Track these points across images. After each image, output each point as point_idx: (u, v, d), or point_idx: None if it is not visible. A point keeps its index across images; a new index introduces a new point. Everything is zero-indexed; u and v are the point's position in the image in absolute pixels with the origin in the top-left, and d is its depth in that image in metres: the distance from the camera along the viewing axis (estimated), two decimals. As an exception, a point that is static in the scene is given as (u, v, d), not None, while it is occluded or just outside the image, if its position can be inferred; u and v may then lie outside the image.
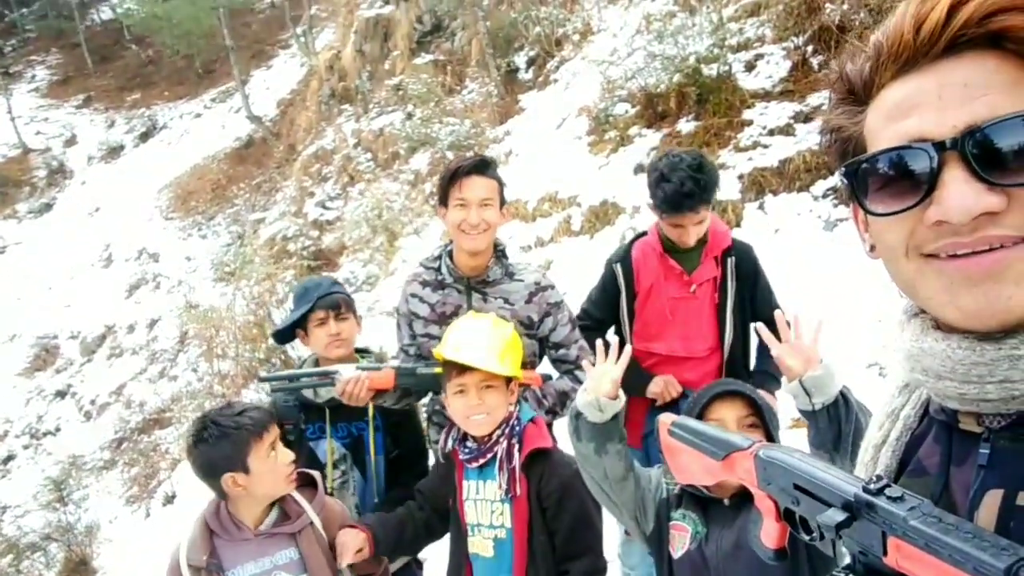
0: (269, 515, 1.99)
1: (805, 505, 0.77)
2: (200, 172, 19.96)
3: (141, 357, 14.23)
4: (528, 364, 2.42)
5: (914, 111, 0.66)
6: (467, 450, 2.04)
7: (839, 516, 0.69)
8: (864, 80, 0.72)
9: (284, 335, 2.69)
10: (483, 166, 2.39)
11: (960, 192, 0.62)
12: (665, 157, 2.53)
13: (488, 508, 2.03)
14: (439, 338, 2.36)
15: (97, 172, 22.38)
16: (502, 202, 2.43)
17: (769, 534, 0.88)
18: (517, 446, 2.00)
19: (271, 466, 1.92)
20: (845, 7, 6.52)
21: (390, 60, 15.41)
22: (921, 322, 0.72)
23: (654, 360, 2.63)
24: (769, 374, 2.51)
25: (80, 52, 27.76)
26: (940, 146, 0.63)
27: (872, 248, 0.77)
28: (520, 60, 12.59)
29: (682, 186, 2.40)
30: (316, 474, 2.14)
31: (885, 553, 0.65)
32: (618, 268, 2.66)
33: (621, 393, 1.73)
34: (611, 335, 2.71)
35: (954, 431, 0.73)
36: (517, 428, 2.04)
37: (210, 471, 1.91)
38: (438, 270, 2.49)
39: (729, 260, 2.56)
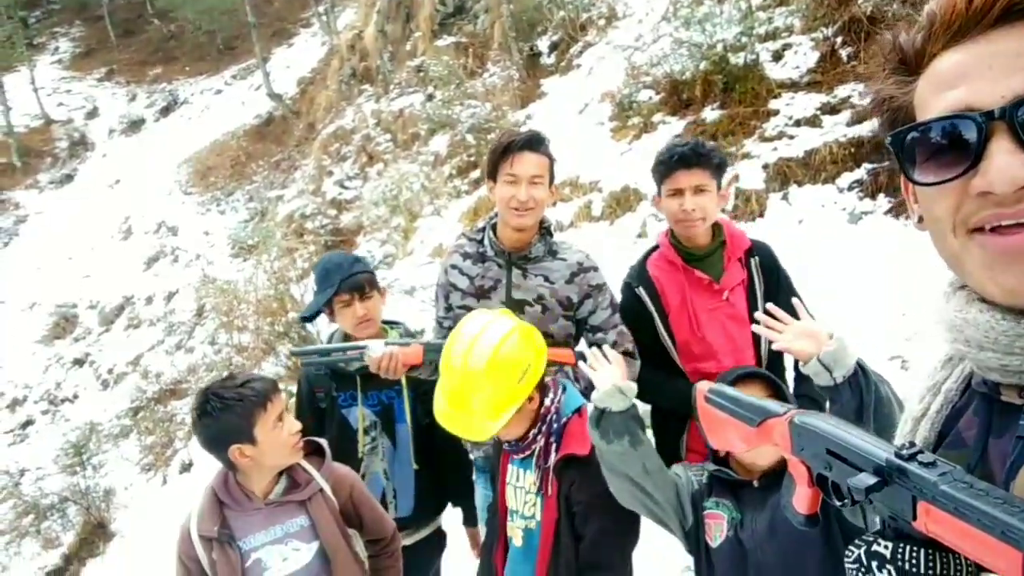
0: (278, 484, 2.00)
1: (837, 470, 0.78)
2: (219, 148, 20.03)
3: (158, 329, 14.37)
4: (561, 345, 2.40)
5: (963, 80, 0.66)
6: (508, 443, 2.02)
7: (870, 480, 0.70)
8: (916, 50, 0.72)
9: (310, 316, 2.73)
10: (536, 142, 2.34)
11: (1006, 162, 0.62)
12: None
13: (524, 497, 2.02)
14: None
15: (118, 145, 22.52)
16: (551, 180, 2.39)
17: (801, 500, 0.89)
18: (555, 445, 1.93)
19: (277, 436, 1.93)
20: (879, -1, 6.46)
21: (412, 41, 15.36)
22: (966, 294, 0.73)
23: (705, 376, 2.37)
24: (810, 398, 2.30)
25: (103, 25, 27.85)
26: (988, 115, 0.63)
27: (920, 220, 0.77)
28: (543, 44, 12.53)
29: (677, 144, 2.34)
30: (323, 441, 2.16)
31: (915, 518, 0.66)
32: (642, 291, 2.45)
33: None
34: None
35: (995, 403, 0.74)
36: (556, 425, 1.95)
37: (216, 443, 1.92)
38: (480, 242, 2.47)
39: (753, 261, 2.42)
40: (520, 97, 11.66)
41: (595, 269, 2.42)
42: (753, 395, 1.65)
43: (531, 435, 1.94)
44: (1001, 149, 0.62)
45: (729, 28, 7.45)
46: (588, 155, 8.24)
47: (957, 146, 0.65)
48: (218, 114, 21.72)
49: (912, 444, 0.70)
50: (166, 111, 23.39)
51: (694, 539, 1.75)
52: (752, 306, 2.35)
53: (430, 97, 13.55)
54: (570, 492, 1.89)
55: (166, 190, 19.26)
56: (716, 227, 2.42)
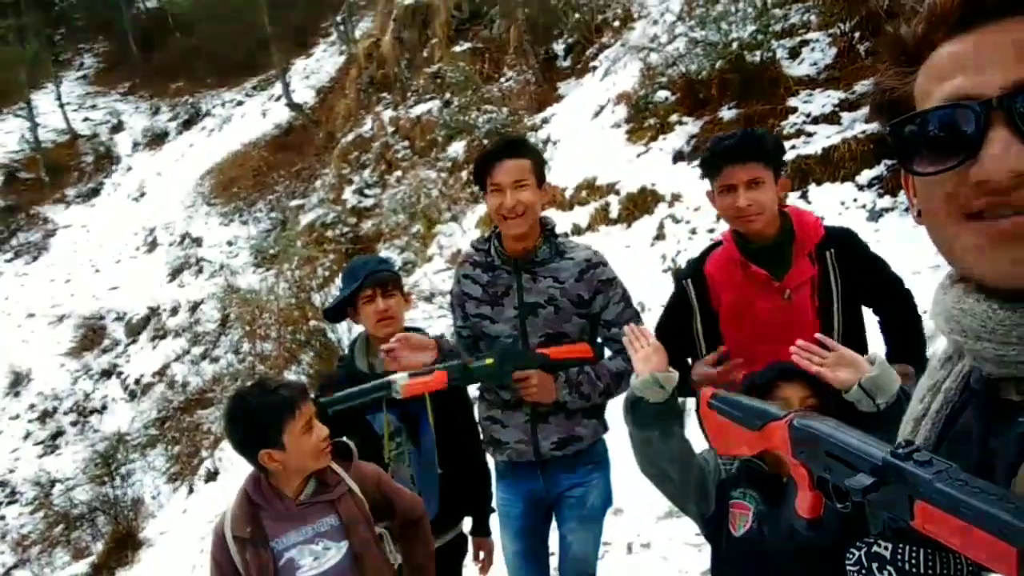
0: (308, 485, 2.04)
1: (836, 472, 0.78)
2: (241, 159, 20.27)
3: (184, 339, 14.57)
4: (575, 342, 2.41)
5: (962, 70, 0.66)
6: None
7: (867, 480, 0.70)
8: (916, 40, 0.72)
9: (335, 313, 2.77)
10: (513, 147, 2.39)
11: (1004, 151, 0.62)
12: None
13: None
14: (491, 319, 2.45)
15: (142, 158, 22.88)
16: (541, 179, 2.39)
17: (803, 504, 0.89)
18: None
19: (306, 442, 1.97)
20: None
21: (428, 48, 15.44)
22: (964, 286, 0.73)
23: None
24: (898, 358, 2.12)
25: (126, 40, 28.33)
26: (986, 105, 0.64)
27: (919, 214, 0.77)
28: (559, 47, 12.53)
29: (730, 135, 2.20)
30: (350, 442, 2.19)
31: (912, 517, 0.65)
32: (689, 285, 2.28)
33: (671, 370, 1.72)
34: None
35: (994, 401, 0.73)
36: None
37: (246, 448, 1.98)
38: (488, 252, 2.50)
39: (828, 254, 2.12)
40: (537, 101, 11.67)
41: (604, 264, 2.43)
42: (796, 393, 1.68)
43: None
44: (999, 138, 0.62)
45: (744, 26, 7.41)
46: (605, 157, 8.23)
47: (955, 135, 0.65)
48: (239, 125, 21.99)
49: (908, 443, 0.69)
50: (188, 124, 23.72)
51: (715, 526, 1.75)
52: (825, 307, 2.10)
53: (447, 103, 13.61)
54: None
55: (189, 201, 19.54)
56: (784, 216, 2.17)
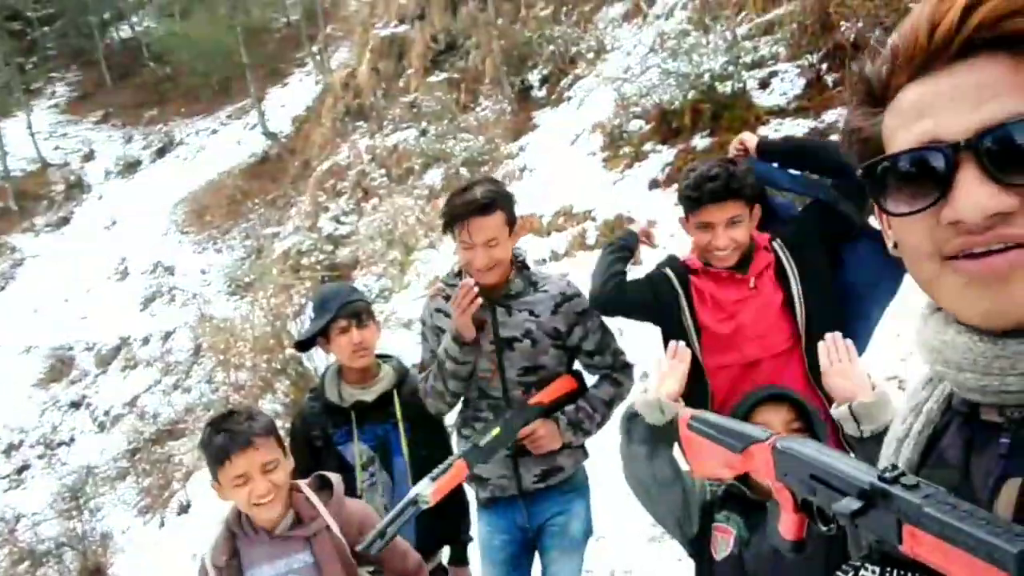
0: (286, 518, 1.98)
1: (822, 495, 0.77)
2: (216, 187, 20.15)
3: (155, 369, 14.32)
4: (556, 376, 2.39)
5: (929, 113, 0.67)
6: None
7: (855, 504, 0.69)
8: (881, 82, 0.73)
9: (305, 344, 2.75)
10: (487, 207, 2.26)
11: (974, 192, 0.63)
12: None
13: None
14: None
15: (114, 187, 22.64)
16: (513, 224, 2.34)
17: (787, 526, 0.88)
18: None
19: (237, 494, 1.92)
20: (860, 25, 6.59)
21: (405, 78, 15.57)
22: (944, 315, 0.73)
23: (729, 373, 2.19)
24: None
25: (99, 69, 28.17)
26: (954, 147, 0.64)
27: (895, 245, 0.78)
28: (534, 78, 12.71)
29: (708, 171, 2.13)
30: (335, 477, 2.12)
31: (900, 541, 0.65)
32: (671, 272, 2.29)
33: (680, 401, 1.70)
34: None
35: (975, 422, 0.74)
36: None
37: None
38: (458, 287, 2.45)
39: (775, 244, 2.21)
40: (513, 130, 11.80)
41: (579, 295, 2.41)
42: (778, 417, 1.69)
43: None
44: (969, 179, 0.63)
45: (715, 58, 7.59)
46: (581, 185, 8.32)
47: (926, 177, 0.67)
48: (214, 154, 21.89)
49: (895, 467, 0.69)
50: (162, 152, 23.56)
51: (698, 549, 1.74)
52: (786, 289, 2.18)
53: (424, 132, 13.70)
54: None
55: (162, 230, 19.34)
56: None
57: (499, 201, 2.31)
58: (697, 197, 2.13)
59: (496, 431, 2.21)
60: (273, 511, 1.94)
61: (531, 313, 2.36)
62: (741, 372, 2.18)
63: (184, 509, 8.71)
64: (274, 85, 23.53)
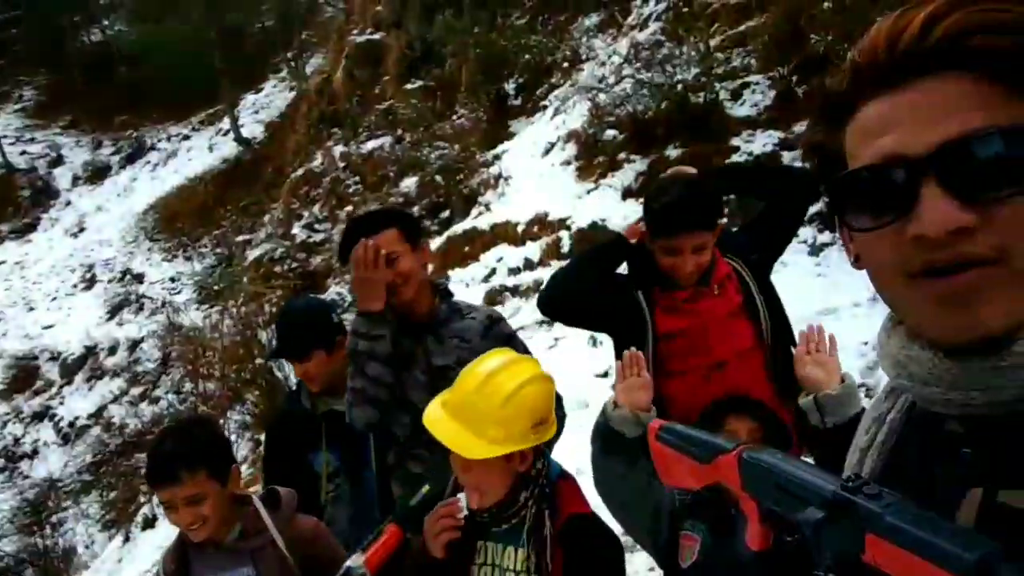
0: (233, 531, 1.99)
1: (786, 505, 0.77)
2: (186, 194, 19.90)
3: (122, 379, 14.05)
4: None
5: (890, 129, 0.67)
6: (485, 514, 1.73)
7: (818, 514, 0.69)
8: (842, 97, 0.73)
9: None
10: (374, 223, 2.26)
11: (935, 208, 0.63)
12: (662, 178, 2.33)
13: None
14: (393, 383, 2.26)
15: (82, 193, 22.26)
16: (415, 241, 2.29)
17: (753, 536, 0.87)
18: (548, 511, 1.70)
19: (169, 515, 1.93)
20: (830, 38, 6.69)
21: (380, 85, 15.53)
22: (906, 329, 0.74)
23: (694, 377, 2.21)
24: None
25: (69, 73, 27.74)
26: (916, 163, 0.65)
27: (857, 259, 0.78)
28: (510, 87, 12.73)
29: (679, 199, 2.12)
30: (285, 492, 2.10)
31: (863, 550, 0.66)
32: (630, 279, 2.29)
33: (652, 408, 1.72)
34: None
35: (938, 433, 0.75)
36: (548, 490, 1.72)
37: None
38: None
39: (727, 258, 2.28)
40: (488, 138, 11.80)
41: (504, 319, 2.44)
42: (745, 426, 1.70)
43: (521, 499, 1.69)
44: (931, 195, 0.64)
45: (689, 69, 7.66)
46: (556, 193, 8.34)
47: (889, 193, 0.67)
48: (185, 160, 21.65)
49: (858, 476, 0.69)
50: (132, 158, 23.22)
51: (666, 557, 1.74)
52: (746, 294, 2.24)
53: (399, 139, 13.65)
54: (578, 559, 1.66)
55: (131, 237, 19.04)
56: None
57: (391, 214, 2.33)
58: (667, 225, 2.13)
59: (426, 488, 1.98)
60: (200, 536, 1.93)
61: (462, 340, 2.31)
62: (706, 374, 2.19)
63: (150, 523, 8.52)
64: (248, 91, 23.34)
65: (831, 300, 4.88)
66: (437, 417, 1.71)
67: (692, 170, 2.45)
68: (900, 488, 0.70)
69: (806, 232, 5.67)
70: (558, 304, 2.37)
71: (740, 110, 7.35)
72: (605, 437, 1.69)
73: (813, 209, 5.79)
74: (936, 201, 0.63)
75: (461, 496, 1.74)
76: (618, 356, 2.26)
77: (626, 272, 2.39)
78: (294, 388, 2.88)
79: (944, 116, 0.65)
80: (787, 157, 6.38)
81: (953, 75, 0.65)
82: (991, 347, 0.65)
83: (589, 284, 2.31)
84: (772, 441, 1.69)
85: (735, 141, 6.95)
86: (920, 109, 0.66)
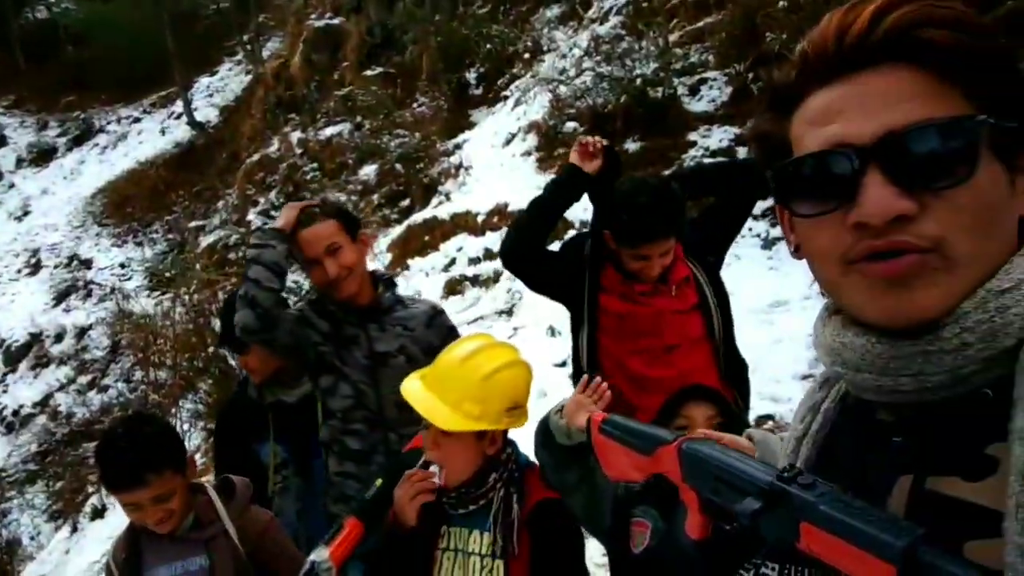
0: (187, 519, 1.97)
1: (724, 495, 0.79)
2: (137, 178, 19.33)
3: (69, 367, 13.64)
4: None
5: (836, 118, 0.69)
6: (452, 495, 1.75)
7: (755, 504, 0.71)
8: (790, 87, 0.75)
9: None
10: (312, 217, 2.27)
11: (878, 195, 0.65)
12: (627, 180, 2.32)
13: (473, 564, 1.72)
14: (342, 359, 2.28)
15: (27, 175, 21.44)
16: (354, 232, 2.30)
17: (692, 526, 0.89)
18: (516, 495, 1.73)
19: (130, 512, 1.92)
20: (784, 37, 6.83)
21: (339, 71, 15.30)
22: (841, 318, 0.76)
23: (650, 354, 2.30)
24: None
25: (11, 51, 26.62)
26: (861, 151, 0.66)
27: (797, 248, 0.80)
28: (471, 76, 12.69)
29: (650, 212, 2.14)
30: (240, 481, 2.10)
31: (798, 538, 0.67)
32: (588, 247, 2.33)
33: None
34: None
35: (870, 422, 0.77)
36: (516, 474, 1.76)
37: None
38: (325, 306, 2.34)
39: (687, 260, 2.37)
40: (449, 127, 11.75)
41: (445, 313, 2.47)
42: (702, 412, 1.76)
43: (491, 480, 1.72)
44: (874, 182, 0.65)
45: (648, 63, 7.74)
46: (516, 184, 8.35)
47: (833, 180, 0.68)
48: (136, 143, 21.02)
49: (793, 466, 0.71)
50: (79, 140, 22.44)
51: (616, 543, 1.77)
52: (700, 294, 2.34)
53: (358, 126, 13.49)
54: (546, 544, 1.71)
55: (79, 221, 18.44)
56: None
57: (326, 207, 2.36)
58: (636, 236, 2.18)
59: (379, 482, 1.96)
60: (166, 528, 1.92)
61: (405, 328, 2.33)
62: (658, 354, 2.28)
63: (99, 513, 8.32)
64: (202, 73, 22.74)
65: (783, 293, 5.02)
66: (415, 388, 1.73)
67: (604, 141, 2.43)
68: (834, 476, 0.72)
69: (759, 226, 5.81)
70: (515, 255, 2.39)
71: (697, 105, 7.48)
72: (542, 431, 1.72)
73: (766, 204, 5.94)
74: (878, 188, 0.65)
75: (434, 466, 1.75)
76: (574, 332, 2.38)
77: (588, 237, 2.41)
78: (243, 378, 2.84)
79: (889, 106, 0.66)
80: (742, 152, 6.53)
81: (899, 67, 0.67)
82: (925, 331, 0.67)
83: (544, 234, 2.36)
84: (728, 427, 1.75)
85: (692, 136, 7.06)
86: (866, 99, 0.68)
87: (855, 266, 0.69)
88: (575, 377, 2.45)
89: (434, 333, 2.35)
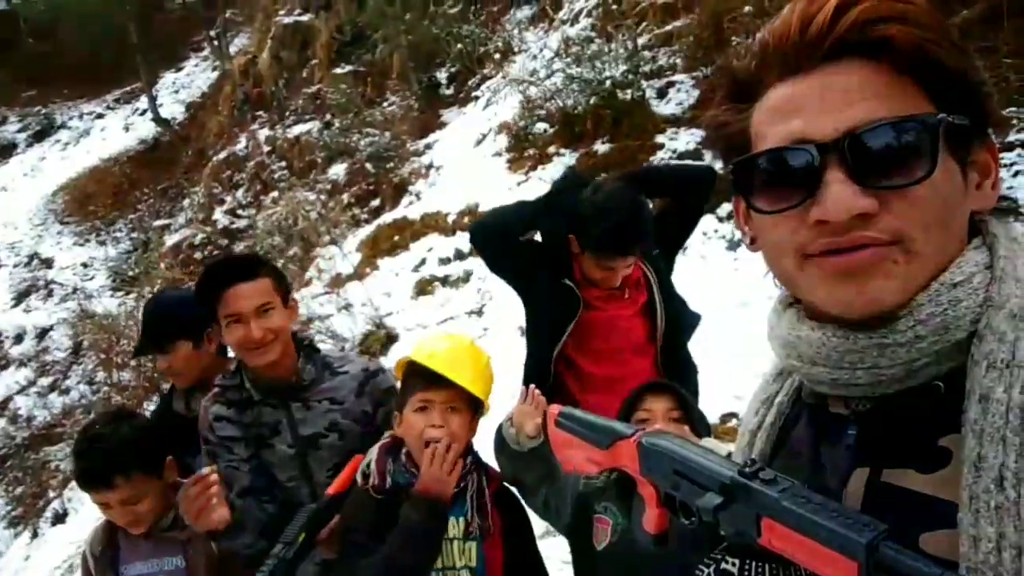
0: (166, 517, 1.97)
1: (685, 490, 0.79)
2: (100, 175, 18.91)
3: (29, 368, 13.31)
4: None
5: (798, 113, 0.69)
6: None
7: (716, 499, 0.71)
8: (750, 78, 0.74)
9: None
10: (248, 269, 2.01)
11: (839, 192, 0.65)
12: (599, 191, 2.28)
13: (452, 547, 1.76)
14: (263, 464, 2.04)
15: (-16, 171, 20.86)
16: (286, 296, 2.05)
17: (650, 520, 0.89)
18: (485, 478, 1.81)
19: (102, 510, 1.93)
20: (750, 41, 6.94)
21: (308, 68, 15.15)
22: (796, 311, 0.76)
23: (600, 354, 2.39)
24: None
25: (-32, 43, 25.88)
26: (822, 147, 0.66)
27: (752, 241, 0.80)
28: (442, 75, 12.66)
29: (624, 228, 2.16)
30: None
31: (759, 534, 0.67)
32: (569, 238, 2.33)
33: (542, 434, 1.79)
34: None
35: (824, 415, 0.77)
36: (482, 460, 1.86)
37: None
38: (240, 387, 2.07)
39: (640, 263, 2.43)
40: (419, 127, 11.71)
41: (383, 371, 2.19)
42: (661, 405, 1.79)
43: (468, 463, 1.79)
44: (835, 179, 0.65)
45: (617, 66, 7.80)
46: (487, 184, 8.37)
47: (794, 176, 0.68)
48: (99, 139, 20.56)
49: (754, 462, 0.72)
50: (40, 136, 21.89)
51: (576, 538, 1.81)
52: (648, 294, 2.40)
53: (327, 125, 13.37)
54: (512, 521, 1.83)
55: (39, 219, 18.00)
56: None
57: (264, 262, 2.11)
58: (608, 251, 2.22)
59: (302, 537, 1.80)
60: (138, 530, 1.93)
61: (332, 401, 2.06)
62: (608, 356, 2.40)
63: (60, 519, 8.16)
64: (167, 69, 22.32)
65: (748, 294, 5.10)
66: (434, 358, 1.79)
67: None
68: (789, 469, 0.73)
69: (724, 228, 5.90)
70: (487, 233, 2.43)
71: (665, 108, 7.56)
72: (499, 441, 1.79)
73: (731, 206, 6.04)
74: (839, 186, 0.65)
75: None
76: (531, 325, 2.45)
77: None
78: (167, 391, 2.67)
79: (850, 103, 0.66)
80: (708, 155, 6.62)
81: (860, 62, 0.67)
82: (880, 324, 0.67)
83: (519, 223, 2.41)
84: (688, 421, 1.81)
85: (660, 138, 7.14)
86: (827, 94, 0.67)
87: (813, 259, 0.69)
88: (528, 370, 2.50)
89: (367, 400, 2.08)
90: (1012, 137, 4.80)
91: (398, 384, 2.01)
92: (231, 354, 2.31)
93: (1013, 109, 4.87)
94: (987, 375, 0.64)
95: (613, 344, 2.38)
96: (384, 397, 2.11)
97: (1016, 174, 4.59)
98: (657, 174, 2.59)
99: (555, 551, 3.88)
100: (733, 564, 0.71)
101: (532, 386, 1.82)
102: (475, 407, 1.84)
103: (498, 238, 2.42)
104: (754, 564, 0.70)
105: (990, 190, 0.74)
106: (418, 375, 1.79)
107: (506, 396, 1.91)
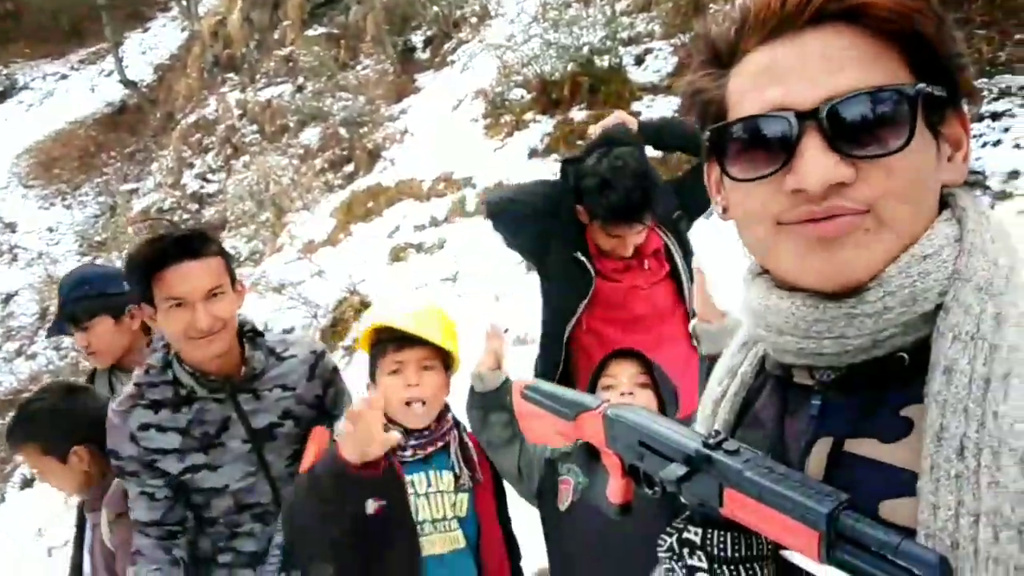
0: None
1: (649, 461, 0.79)
2: (65, 138, 18.45)
3: (-6, 335, 13.09)
4: None
5: (777, 80, 0.68)
6: (414, 440, 1.78)
7: (680, 470, 0.71)
8: (728, 43, 0.73)
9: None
10: (197, 244, 1.77)
11: (817, 161, 0.64)
12: (605, 159, 2.19)
13: (440, 502, 1.77)
14: (210, 466, 1.84)
15: (-57, 132, 20.22)
16: (234, 277, 1.84)
17: (614, 490, 0.89)
18: (465, 433, 1.88)
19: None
20: (729, 7, 6.90)
21: (280, 30, 14.80)
22: (765, 281, 0.75)
23: (614, 328, 2.31)
24: None
25: (-77, -3, 24.87)
26: (801, 115, 0.65)
27: (725, 210, 0.79)
28: (417, 39, 12.44)
29: (630, 196, 2.10)
30: None
31: (722, 504, 0.68)
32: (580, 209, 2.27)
33: (505, 367, 1.84)
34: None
35: (788, 385, 0.78)
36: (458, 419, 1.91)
37: None
38: (173, 383, 1.83)
39: (658, 229, 2.37)
40: (395, 91, 11.53)
41: (326, 352, 2.08)
42: (626, 371, 1.80)
43: (450, 418, 1.86)
44: (813, 147, 0.65)
45: (594, 32, 7.72)
46: (462, 151, 8.28)
47: (771, 144, 0.68)
48: (63, 101, 19.99)
49: (718, 432, 0.72)
50: (2, 97, 21.23)
51: (544, 501, 1.84)
52: (671, 263, 2.36)
53: (300, 88, 13.12)
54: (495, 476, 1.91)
55: (2, 183, 17.54)
56: None
57: (213, 240, 1.86)
58: (615, 220, 2.17)
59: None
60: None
61: (284, 388, 1.92)
62: (626, 325, 2.31)
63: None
64: (134, 29, 21.69)
65: (722, 260, 5.15)
66: (401, 319, 1.81)
67: (631, 121, 2.42)
68: (752, 439, 0.74)
69: (700, 196, 5.92)
70: (504, 205, 2.38)
71: (643, 75, 7.51)
72: (469, 395, 1.85)
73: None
74: (817, 154, 0.65)
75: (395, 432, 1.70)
76: (546, 299, 2.43)
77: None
78: (86, 378, 2.49)
79: (830, 72, 0.66)
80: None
81: (842, 30, 0.66)
82: (849, 294, 0.67)
83: (535, 198, 2.37)
84: (655, 385, 1.82)
85: (637, 106, 7.10)
86: (808, 62, 0.67)
87: (787, 227, 0.68)
88: (543, 344, 2.47)
89: (317, 383, 1.97)
90: (982, 109, 4.85)
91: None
92: (156, 334, 2.01)
93: (984, 80, 4.90)
94: (952, 347, 0.64)
95: (636, 312, 2.32)
96: (332, 377, 2.03)
97: (984, 144, 4.64)
98: (671, 126, 2.50)
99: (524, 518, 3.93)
100: (695, 533, 0.71)
101: (494, 323, 1.91)
102: (447, 365, 1.86)
103: (513, 217, 2.37)
104: (716, 533, 0.70)
105: (961, 162, 0.73)
106: (386, 340, 1.79)
107: (476, 361, 1.92)
